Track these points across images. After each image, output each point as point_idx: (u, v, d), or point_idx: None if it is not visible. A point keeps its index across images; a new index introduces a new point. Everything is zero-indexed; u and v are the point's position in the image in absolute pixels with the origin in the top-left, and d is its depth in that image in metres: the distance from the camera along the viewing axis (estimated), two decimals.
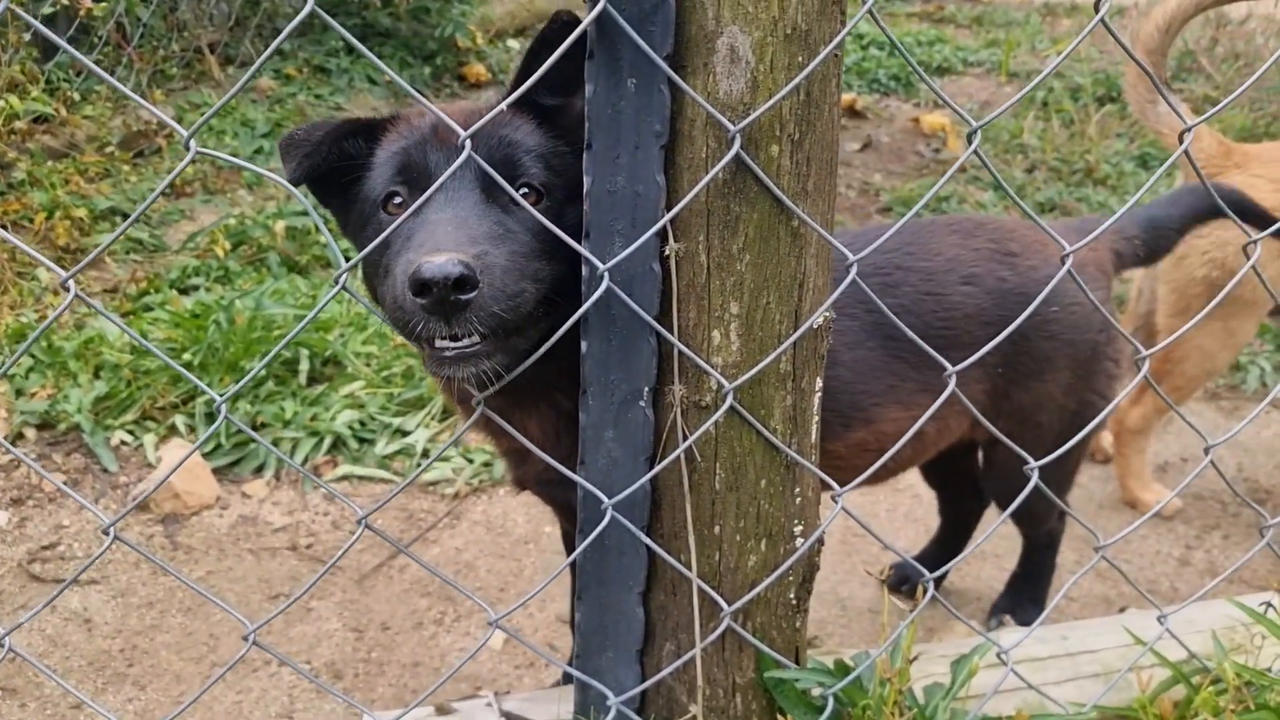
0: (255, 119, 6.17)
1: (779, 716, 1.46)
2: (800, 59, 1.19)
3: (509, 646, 2.51)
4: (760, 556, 1.41)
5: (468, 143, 1.12)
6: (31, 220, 4.52)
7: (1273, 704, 1.62)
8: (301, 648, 2.49)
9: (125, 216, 4.84)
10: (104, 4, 5.61)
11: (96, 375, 3.38)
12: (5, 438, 3.12)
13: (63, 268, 4.10)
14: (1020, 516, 2.30)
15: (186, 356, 3.30)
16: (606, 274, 1.21)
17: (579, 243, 1.25)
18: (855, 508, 3.07)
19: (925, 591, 1.52)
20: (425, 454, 3.15)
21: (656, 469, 1.33)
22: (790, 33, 1.18)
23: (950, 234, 1.87)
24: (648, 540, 1.37)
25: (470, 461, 3.13)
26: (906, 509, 3.07)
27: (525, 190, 1.32)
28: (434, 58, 7.67)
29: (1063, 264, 1.37)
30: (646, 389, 1.30)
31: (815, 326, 1.33)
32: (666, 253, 1.25)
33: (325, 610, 2.61)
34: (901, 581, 2.66)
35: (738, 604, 1.39)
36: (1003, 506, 2.34)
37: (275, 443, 3.14)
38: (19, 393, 3.31)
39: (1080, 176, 6.06)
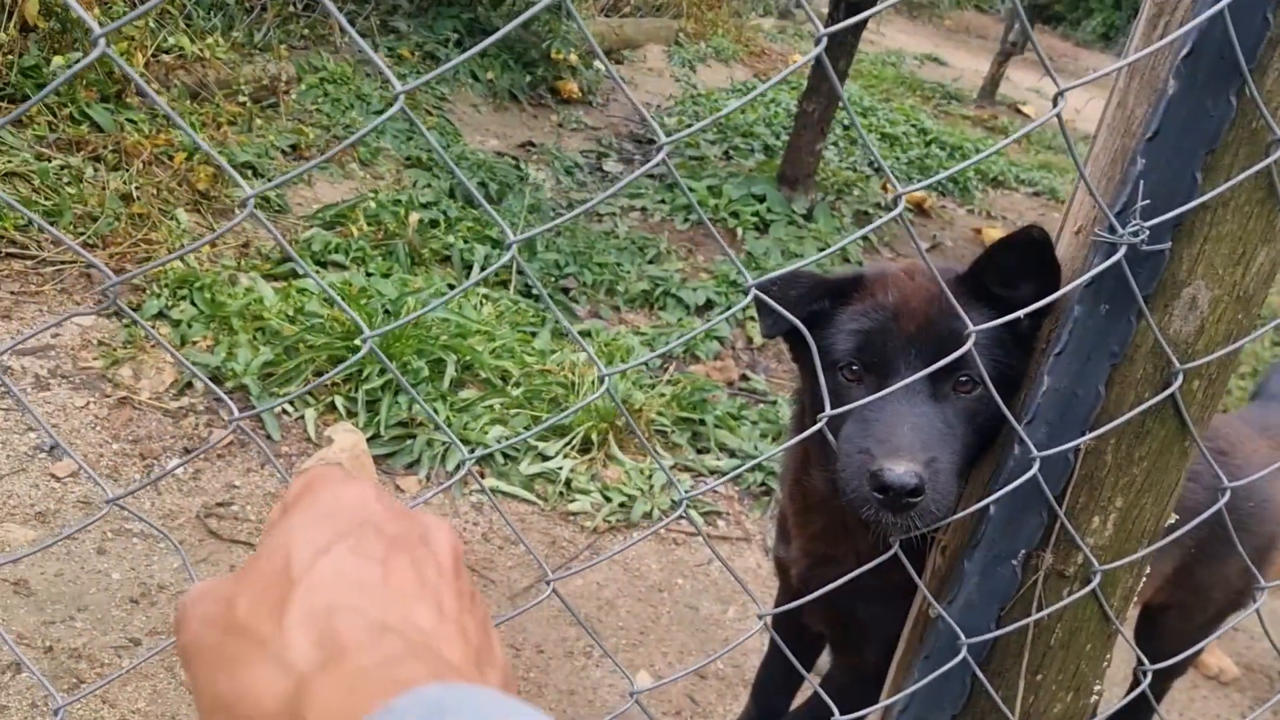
0: (370, 95, 6.29)
1: None
2: (1240, 317, 1.41)
3: (654, 694, 2.68)
4: (1065, 706, 1.62)
5: (971, 336, 1.32)
6: (171, 158, 4.61)
7: None
8: None
9: (256, 173, 4.95)
10: None
11: (255, 338, 3.50)
12: (174, 385, 3.24)
13: (199, 214, 4.23)
14: (1166, 673, 2.56)
15: (356, 341, 3.44)
16: (1039, 460, 1.41)
17: (1000, 424, 1.46)
18: None
19: None
20: (568, 484, 3.32)
21: (1017, 625, 1.53)
22: (1241, 295, 1.40)
23: None
24: (982, 677, 1.57)
25: (608, 500, 3.31)
26: None
27: (965, 379, 1.53)
28: (535, 66, 7.84)
29: (1221, 496, 1.64)
30: (1023, 552, 1.51)
31: (1165, 526, 1.55)
32: (1080, 446, 1.46)
33: None
34: None
35: None
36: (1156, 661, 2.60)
37: (428, 443, 3.29)
38: (184, 340, 3.43)
39: None
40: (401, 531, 0.61)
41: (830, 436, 1.43)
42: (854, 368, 1.55)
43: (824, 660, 2.42)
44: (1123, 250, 1.32)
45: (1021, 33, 12.34)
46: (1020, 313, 1.36)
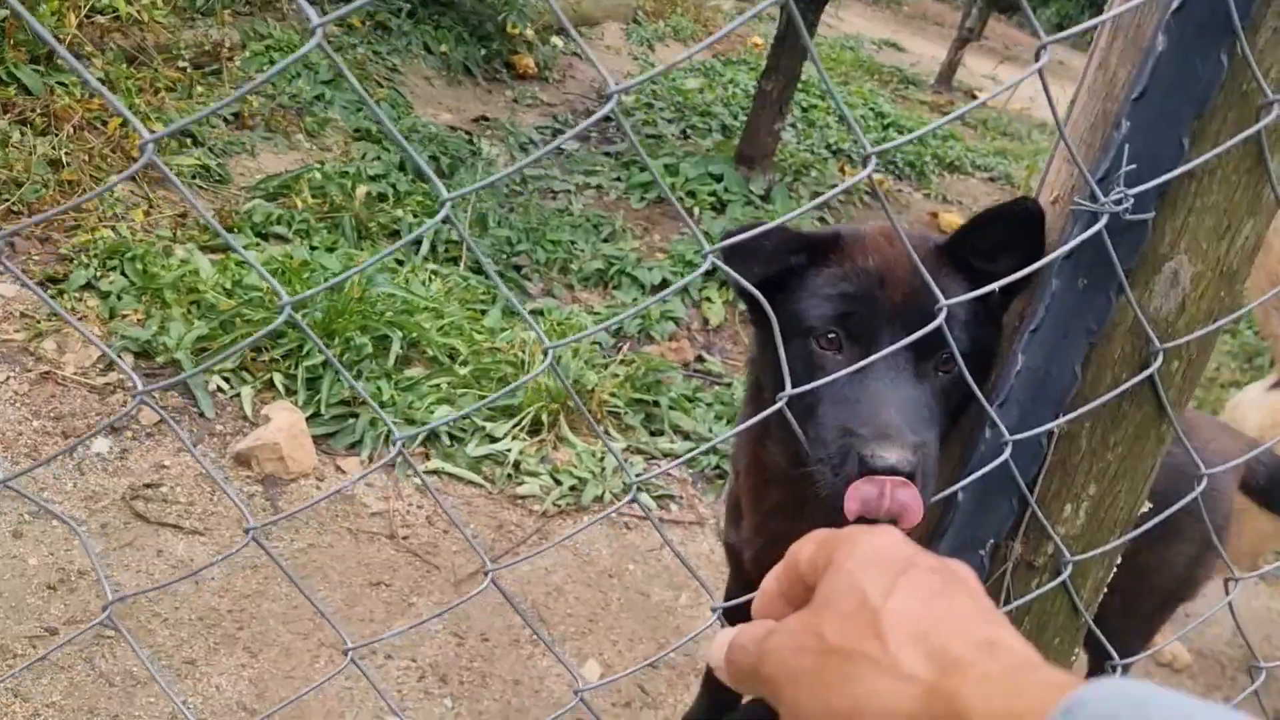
0: (318, 63, 6.10)
1: None
2: (1223, 294, 1.33)
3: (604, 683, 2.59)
4: None
5: (943, 311, 1.24)
6: (105, 124, 4.41)
7: None
8: (405, 642, 2.54)
9: (196, 141, 4.76)
10: None
11: (189, 311, 3.34)
12: (101, 360, 3.07)
13: (134, 182, 4.05)
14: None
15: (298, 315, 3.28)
16: (1010, 444, 1.33)
17: (969, 405, 1.37)
18: None
19: None
20: (516, 466, 3.21)
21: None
22: (1224, 271, 1.32)
23: None
24: None
25: (558, 483, 3.20)
26: None
27: (949, 357, 1.42)
28: (490, 40, 7.66)
29: (1197, 483, 1.58)
30: (991, 542, 1.43)
31: (1138, 515, 1.48)
32: (1053, 429, 1.38)
33: (425, 608, 2.65)
34: None
35: None
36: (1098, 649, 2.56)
37: (371, 423, 3.16)
38: (113, 313, 3.26)
39: None
40: (941, 566, 0.69)
41: (789, 415, 1.32)
42: (831, 336, 1.42)
43: None
44: (1104, 219, 1.24)
45: (979, 19, 12.35)
46: (997, 284, 1.27)
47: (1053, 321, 1.33)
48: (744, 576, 1.91)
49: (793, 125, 8.63)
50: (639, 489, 3.23)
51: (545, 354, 1.14)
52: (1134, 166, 1.24)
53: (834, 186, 7.28)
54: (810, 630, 0.66)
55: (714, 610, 1.45)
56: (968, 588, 0.68)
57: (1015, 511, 1.43)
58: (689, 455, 1.37)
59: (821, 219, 6.62)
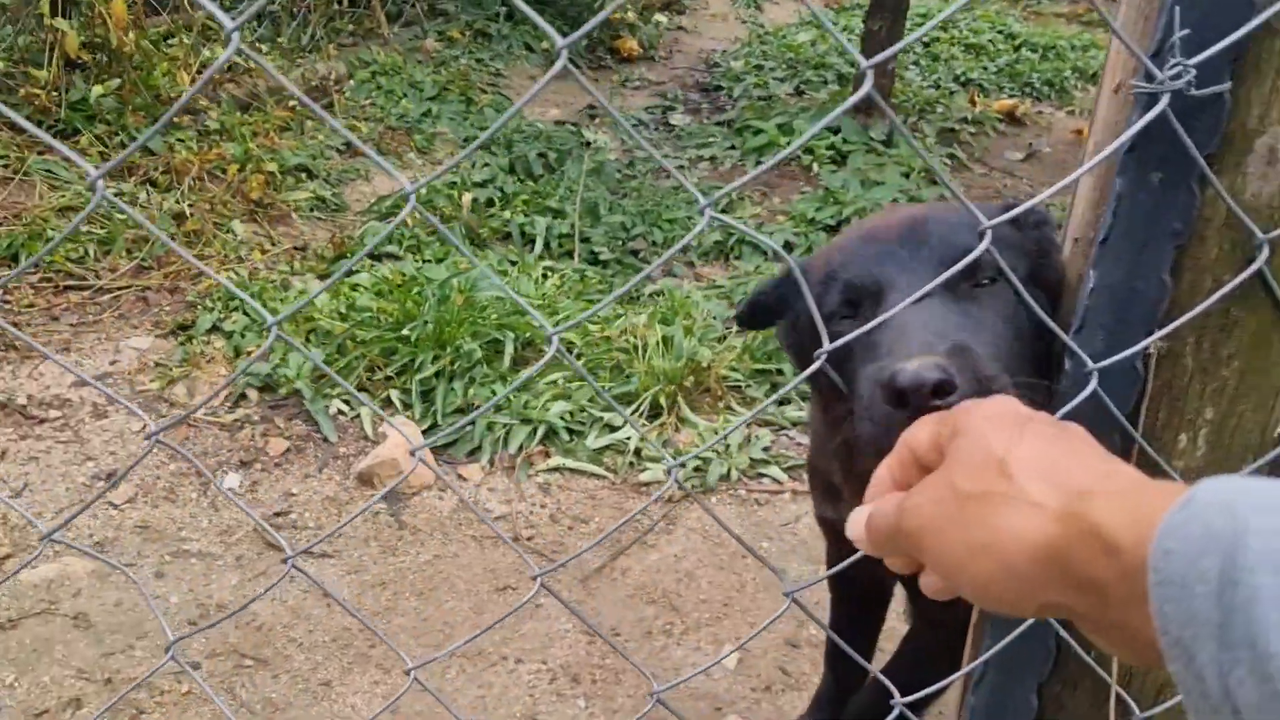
0: (422, 81, 6.20)
1: None
2: None
3: (743, 667, 2.50)
4: None
5: (988, 234, 1.09)
6: (224, 171, 4.58)
7: None
8: (534, 645, 2.51)
9: (311, 174, 4.90)
10: None
11: (307, 340, 3.42)
12: (229, 398, 3.18)
13: (255, 223, 4.16)
14: None
15: (405, 331, 3.32)
16: (1096, 373, 1.16)
17: (1052, 333, 1.20)
18: None
19: None
20: (637, 453, 3.15)
21: None
22: None
23: None
24: (1068, 637, 1.32)
25: (682, 466, 3.12)
26: None
27: (988, 281, 1.27)
28: None
29: None
30: None
31: (1275, 437, 1.27)
32: (1149, 350, 1.20)
33: (553, 608, 2.62)
34: None
35: (1152, 711, 1.34)
36: None
37: (489, 427, 3.15)
38: (237, 351, 3.37)
39: None
40: (1056, 422, 0.77)
41: (829, 370, 1.18)
42: (844, 318, 1.29)
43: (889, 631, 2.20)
44: (1165, 99, 1.05)
45: None
46: (1038, 199, 1.10)
47: (1125, 227, 1.16)
48: (846, 548, 1.76)
49: (915, 63, 8.25)
50: (767, 462, 3.11)
51: (549, 340, 1.06)
52: (1189, 31, 1.06)
53: (964, 119, 6.88)
54: (944, 484, 0.73)
55: (786, 595, 1.33)
56: (1083, 437, 0.75)
57: (1119, 449, 1.25)
58: (735, 426, 1.25)
59: (952, 155, 6.28)
